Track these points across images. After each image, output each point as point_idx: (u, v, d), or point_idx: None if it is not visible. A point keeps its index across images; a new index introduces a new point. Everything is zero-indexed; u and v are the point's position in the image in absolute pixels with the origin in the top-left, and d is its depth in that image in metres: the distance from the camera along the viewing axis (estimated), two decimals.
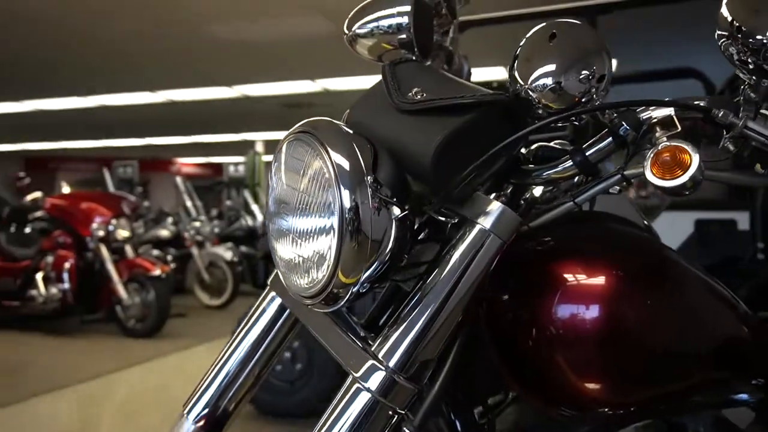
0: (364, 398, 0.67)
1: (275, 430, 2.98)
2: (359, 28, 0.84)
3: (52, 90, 9.60)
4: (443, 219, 0.72)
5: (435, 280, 0.69)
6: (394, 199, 0.67)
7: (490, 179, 0.73)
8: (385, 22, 0.81)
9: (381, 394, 0.67)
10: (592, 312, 0.72)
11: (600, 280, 0.74)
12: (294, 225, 0.71)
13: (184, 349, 4.90)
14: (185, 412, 0.84)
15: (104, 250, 5.44)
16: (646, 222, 0.93)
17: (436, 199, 0.70)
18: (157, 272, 5.36)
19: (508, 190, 0.79)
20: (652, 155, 0.64)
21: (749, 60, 0.63)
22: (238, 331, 0.86)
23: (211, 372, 0.85)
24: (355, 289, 0.68)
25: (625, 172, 0.69)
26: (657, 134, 0.66)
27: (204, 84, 8.96)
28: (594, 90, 0.68)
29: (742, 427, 0.90)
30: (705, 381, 0.84)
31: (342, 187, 0.64)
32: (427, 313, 0.68)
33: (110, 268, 5.39)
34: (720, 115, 0.64)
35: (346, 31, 0.86)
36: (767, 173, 0.66)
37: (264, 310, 0.85)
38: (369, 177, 0.66)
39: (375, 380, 0.67)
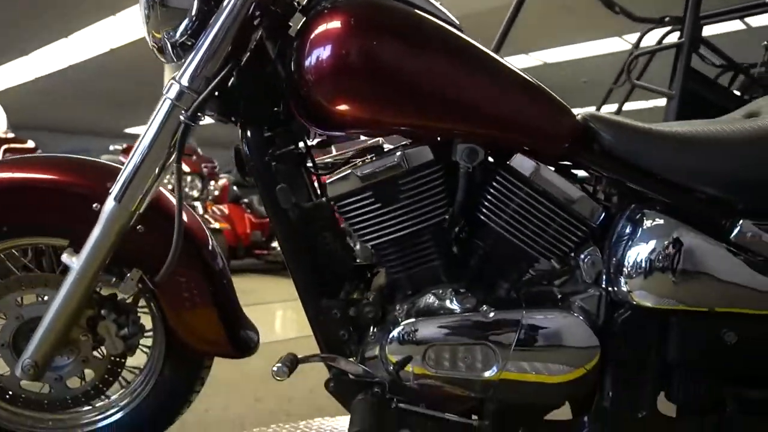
0: (166, 105, 1.10)
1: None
2: None
3: None
4: None
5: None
6: None
7: None
8: None
9: (175, 100, 1.08)
10: (335, 54, 1.04)
11: (340, 28, 1.05)
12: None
13: None
14: None
15: None
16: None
17: None
18: None
19: None
20: None
21: None
22: None
23: None
24: (168, 40, 1.10)
25: None
26: None
27: None
28: None
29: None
30: (464, 124, 1.08)
31: None
32: (207, 42, 1.07)
33: None
34: None
35: None
36: None
37: None
38: None
39: (173, 92, 1.09)
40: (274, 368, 1.04)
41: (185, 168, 5.46)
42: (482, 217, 1.12)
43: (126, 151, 5.82)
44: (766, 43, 3.53)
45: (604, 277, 1.11)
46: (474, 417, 1.16)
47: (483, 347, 1.08)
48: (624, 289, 1.08)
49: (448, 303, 1.12)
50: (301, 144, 1.21)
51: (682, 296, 1.05)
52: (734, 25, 7.73)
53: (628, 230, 1.09)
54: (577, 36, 8.17)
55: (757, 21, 7.69)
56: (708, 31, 3.01)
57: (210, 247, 1.32)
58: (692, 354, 1.07)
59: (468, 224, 1.17)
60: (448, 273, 1.14)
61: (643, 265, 1.06)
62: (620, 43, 8.38)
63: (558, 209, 1.11)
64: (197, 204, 5.49)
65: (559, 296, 1.14)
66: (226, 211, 6.93)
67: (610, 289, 1.11)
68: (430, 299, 1.13)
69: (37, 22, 8.01)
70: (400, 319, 1.11)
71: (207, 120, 1.14)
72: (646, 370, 1.09)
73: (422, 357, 1.09)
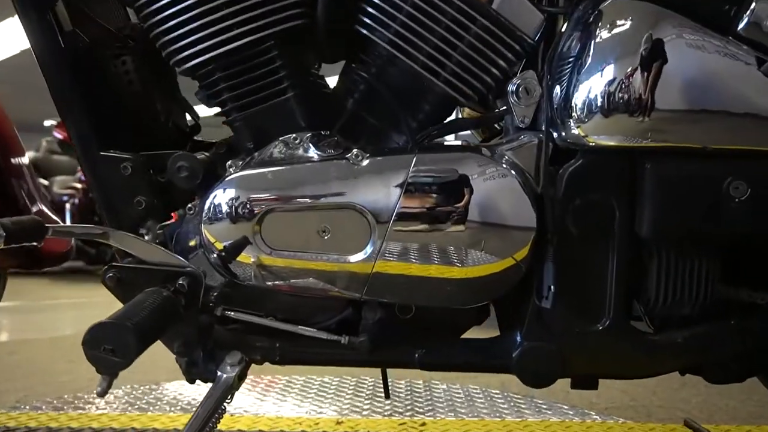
0: None
1: None
2: None
3: None
4: None
5: None
6: None
7: None
8: None
9: None
10: None
11: None
12: None
13: None
14: None
15: None
16: None
17: None
18: None
19: None
20: None
21: None
22: None
23: None
24: None
25: None
26: None
27: None
28: None
29: None
30: None
31: None
32: None
33: None
34: None
35: None
36: None
37: None
38: None
39: None
40: None
41: None
42: (362, 29, 0.73)
43: (60, 125, 5.43)
44: None
45: (544, 114, 0.73)
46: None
47: (349, 215, 0.68)
48: (574, 129, 0.69)
49: (302, 151, 0.72)
50: None
51: (664, 129, 0.66)
52: None
53: (579, 38, 0.70)
54: None
55: None
56: None
57: None
58: (681, 221, 0.68)
59: (339, 39, 0.78)
60: (309, 113, 0.75)
61: (605, 84, 0.67)
62: None
63: (474, 13, 0.71)
64: None
65: (479, 147, 0.75)
66: None
67: (553, 131, 0.72)
68: (277, 148, 0.73)
69: None
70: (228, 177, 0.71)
71: None
72: (607, 257, 0.70)
73: (259, 232, 0.69)
